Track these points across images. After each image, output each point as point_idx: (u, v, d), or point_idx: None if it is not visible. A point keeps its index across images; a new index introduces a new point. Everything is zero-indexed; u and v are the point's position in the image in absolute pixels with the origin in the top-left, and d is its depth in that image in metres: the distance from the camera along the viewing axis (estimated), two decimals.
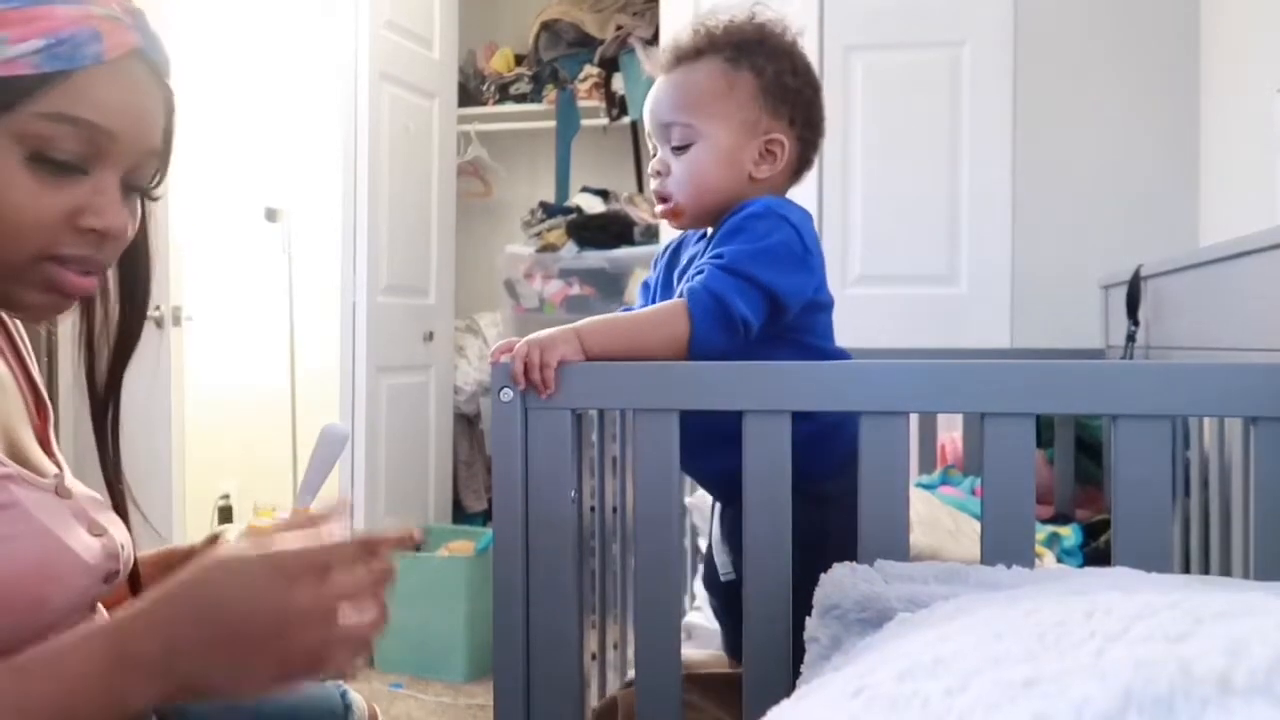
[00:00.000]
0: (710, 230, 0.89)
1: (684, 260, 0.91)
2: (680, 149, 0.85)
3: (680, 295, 0.79)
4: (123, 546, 0.59)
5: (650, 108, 0.88)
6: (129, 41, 0.54)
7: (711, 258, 0.79)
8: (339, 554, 0.49)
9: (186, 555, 0.65)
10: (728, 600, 0.89)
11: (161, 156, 0.59)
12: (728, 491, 0.76)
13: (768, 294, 0.78)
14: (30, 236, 0.51)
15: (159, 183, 0.60)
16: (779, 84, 0.86)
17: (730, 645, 0.99)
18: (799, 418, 0.73)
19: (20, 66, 0.49)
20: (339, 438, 0.65)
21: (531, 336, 0.75)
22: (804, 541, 0.72)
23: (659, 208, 0.88)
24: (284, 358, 2.47)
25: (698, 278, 0.78)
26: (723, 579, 0.90)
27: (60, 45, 0.50)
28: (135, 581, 0.63)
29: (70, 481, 0.59)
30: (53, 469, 0.59)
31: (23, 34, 0.49)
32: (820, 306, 0.85)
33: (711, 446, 0.76)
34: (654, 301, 0.93)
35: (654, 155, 0.89)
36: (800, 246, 0.80)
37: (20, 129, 0.50)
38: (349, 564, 0.49)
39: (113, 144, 0.54)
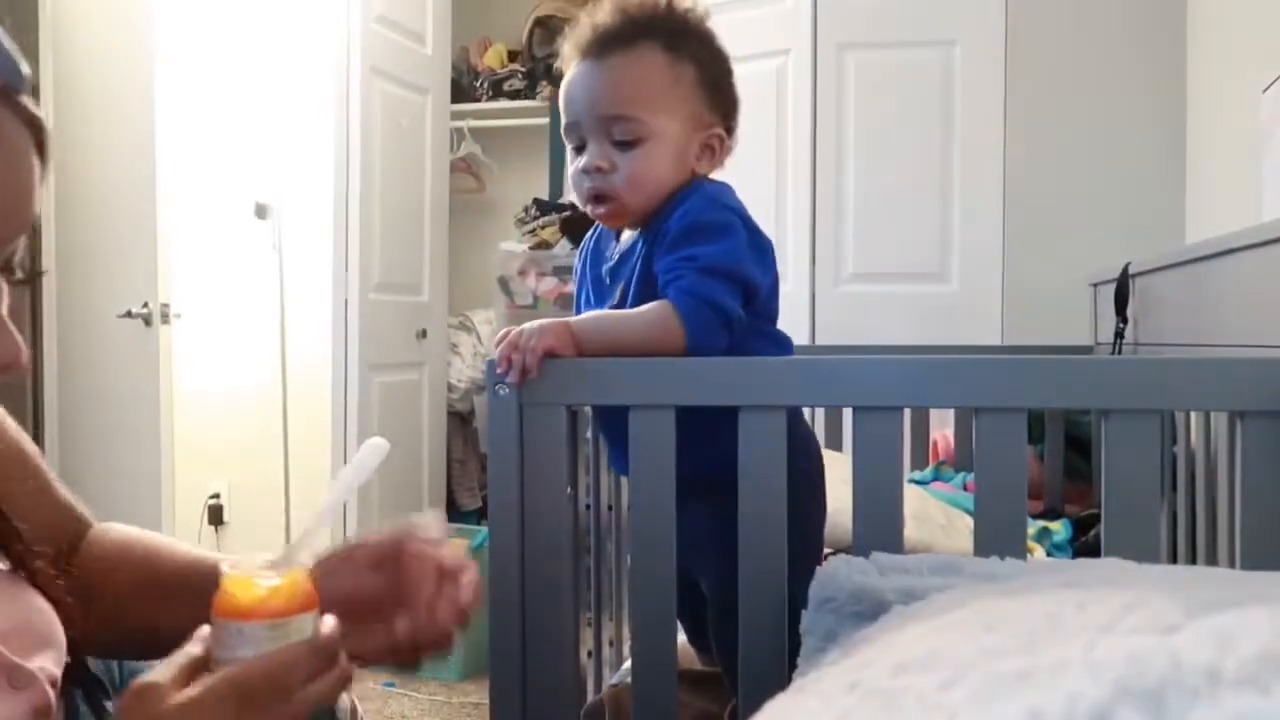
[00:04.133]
0: (636, 225, 0.85)
1: (612, 257, 0.86)
2: (625, 145, 0.80)
3: (665, 297, 0.77)
4: (54, 681, 0.50)
5: (584, 98, 0.81)
6: None
7: (682, 260, 0.77)
8: (297, 673, 0.44)
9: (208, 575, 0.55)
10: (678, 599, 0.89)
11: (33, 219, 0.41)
12: (690, 488, 0.75)
13: (745, 287, 0.78)
14: None
15: (20, 255, 0.44)
16: (713, 75, 0.83)
17: (692, 637, 0.99)
18: (726, 411, 0.73)
19: None
20: (378, 452, 0.55)
21: (527, 326, 0.75)
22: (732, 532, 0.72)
23: (597, 209, 0.82)
24: (274, 356, 2.46)
25: (678, 282, 0.76)
26: None
27: None
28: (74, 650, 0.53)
29: None
30: None
31: None
32: (777, 290, 0.85)
33: (682, 445, 0.75)
34: (587, 304, 0.89)
35: (577, 149, 0.83)
36: (747, 232, 0.80)
37: None
38: (307, 680, 0.45)
39: None
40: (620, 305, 0.83)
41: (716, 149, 0.84)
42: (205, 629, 0.48)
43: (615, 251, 0.86)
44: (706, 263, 0.76)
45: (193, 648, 0.47)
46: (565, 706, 0.77)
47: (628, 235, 0.87)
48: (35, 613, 0.51)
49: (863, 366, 0.71)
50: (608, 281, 0.86)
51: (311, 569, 0.49)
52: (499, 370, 0.74)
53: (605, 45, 0.81)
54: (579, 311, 0.91)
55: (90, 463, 2.12)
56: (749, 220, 0.81)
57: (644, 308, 0.78)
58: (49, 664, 0.50)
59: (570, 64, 0.84)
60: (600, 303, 0.87)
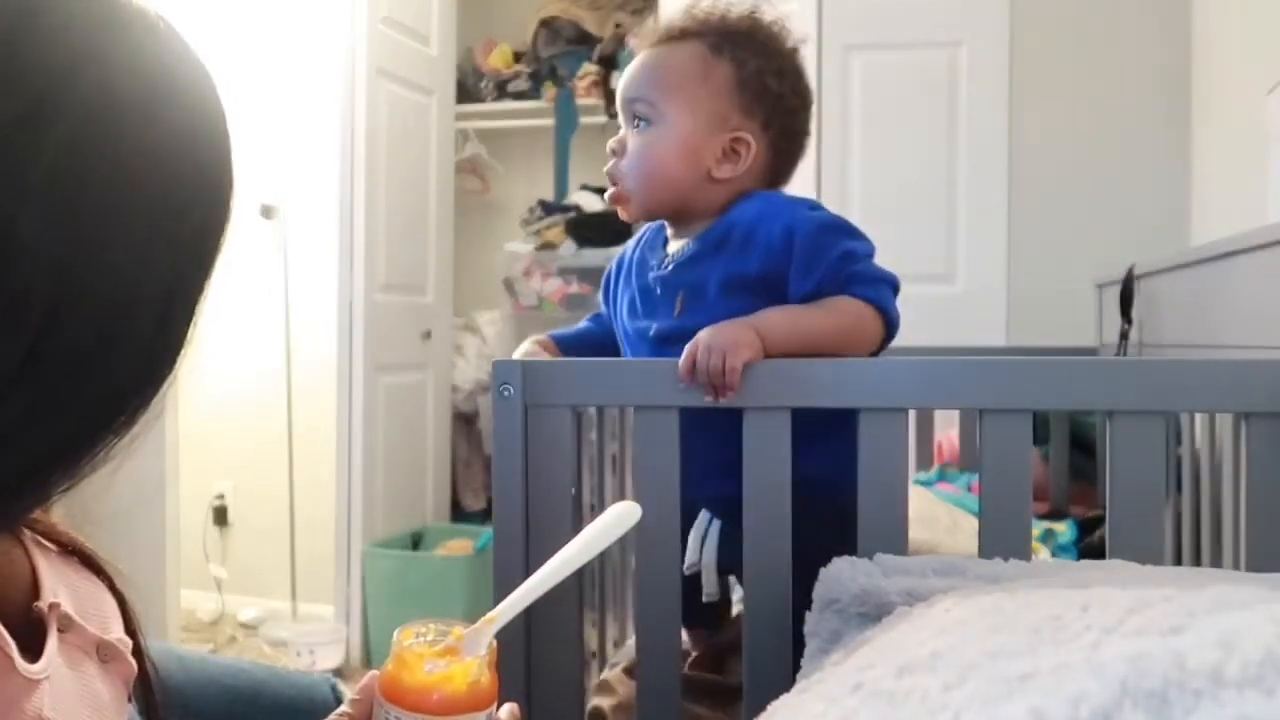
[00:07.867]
0: (672, 235, 0.84)
1: (664, 266, 0.83)
2: (638, 130, 0.82)
3: (851, 296, 0.76)
4: (130, 649, 0.49)
5: (621, 83, 0.84)
6: None
7: (842, 257, 0.77)
8: None
9: None
10: (701, 610, 0.88)
11: None
12: (739, 514, 0.75)
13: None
14: None
15: None
16: (759, 81, 0.82)
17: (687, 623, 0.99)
18: (832, 434, 0.73)
19: None
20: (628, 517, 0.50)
21: (709, 339, 0.70)
22: (831, 541, 0.71)
23: (610, 192, 0.84)
24: (279, 356, 2.46)
25: (855, 279, 0.76)
26: (705, 600, 0.88)
27: None
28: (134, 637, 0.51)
29: (63, 599, 0.45)
30: (49, 597, 0.44)
31: None
32: None
33: (721, 473, 0.74)
34: (631, 312, 0.86)
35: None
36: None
37: None
38: None
39: None
40: (683, 313, 0.80)
41: (742, 155, 0.81)
42: (373, 684, 0.44)
43: (668, 262, 0.83)
44: (865, 252, 0.79)
45: (349, 707, 0.42)
46: (570, 707, 0.78)
47: (678, 244, 0.84)
48: (95, 586, 0.51)
49: (867, 367, 0.72)
50: (658, 291, 0.83)
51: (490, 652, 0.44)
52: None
53: (658, 40, 0.84)
54: (618, 318, 0.87)
55: None
56: None
57: (832, 306, 0.76)
58: (122, 633, 0.51)
59: None
60: (650, 311, 0.84)
